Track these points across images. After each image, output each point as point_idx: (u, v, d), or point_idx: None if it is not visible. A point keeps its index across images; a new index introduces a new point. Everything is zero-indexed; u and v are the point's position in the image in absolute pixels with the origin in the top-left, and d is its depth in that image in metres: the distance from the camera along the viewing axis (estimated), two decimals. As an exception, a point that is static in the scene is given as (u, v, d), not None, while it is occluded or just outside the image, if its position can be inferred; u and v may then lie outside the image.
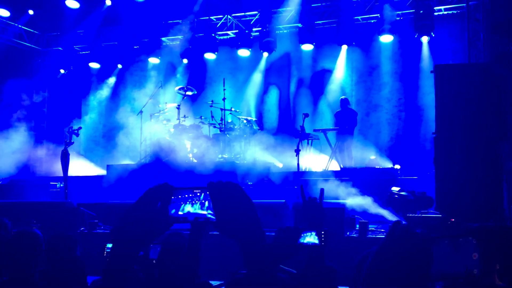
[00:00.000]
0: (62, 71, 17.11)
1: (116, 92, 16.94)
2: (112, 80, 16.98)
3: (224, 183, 1.42)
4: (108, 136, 16.47)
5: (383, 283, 1.43)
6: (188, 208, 1.46)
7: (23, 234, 3.57)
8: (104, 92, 17.01)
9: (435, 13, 13.44)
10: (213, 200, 1.40)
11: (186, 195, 1.46)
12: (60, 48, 17.01)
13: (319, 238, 2.55)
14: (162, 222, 1.40)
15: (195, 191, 1.46)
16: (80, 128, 10.64)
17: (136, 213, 1.40)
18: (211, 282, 3.52)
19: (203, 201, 1.44)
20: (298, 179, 10.12)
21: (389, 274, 1.44)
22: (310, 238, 2.64)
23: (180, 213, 1.47)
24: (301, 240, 2.65)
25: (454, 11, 13.63)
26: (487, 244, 2.68)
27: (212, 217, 1.45)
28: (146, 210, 1.40)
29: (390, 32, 13.74)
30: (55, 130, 16.70)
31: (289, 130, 14.52)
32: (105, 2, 15.35)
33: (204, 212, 1.44)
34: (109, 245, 3.86)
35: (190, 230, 2.16)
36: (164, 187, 1.42)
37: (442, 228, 6.61)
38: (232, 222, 1.39)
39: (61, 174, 11.05)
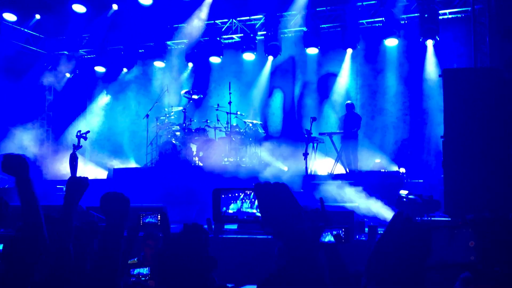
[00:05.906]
0: (68, 74, 17.16)
1: (121, 95, 16.96)
2: (117, 84, 17.01)
3: (271, 184, 1.45)
4: (113, 140, 16.51)
5: (385, 270, 1.47)
6: (238, 206, 1.49)
7: None
8: (110, 95, 17.06)
9: (440, 17, 13.45)
10: (259, 200, 1.43)
11: (237, 194, 1.49)
12: (66, 52, 17.04)
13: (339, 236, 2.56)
14: None
15: (246, 191, 1.49)
16: (88, 132, 10.69)
17: None
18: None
19: (253, 199, 1.47)
20: (309, 182, 10.13)
21: (390, 262, 1.48)
22: (328, 237, 2.67)
23: (230, 211, 1.50)
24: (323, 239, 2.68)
25: (459, 15, 13.61)
26: (483, 232, 2.73)
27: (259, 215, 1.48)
28: None
29: (395, 35, 13.77)
30: (61, 133, 16.75)
31: (294, 133, 14.54)
32: (111, 7, 15.40)
33: (254, 211, 1.48)
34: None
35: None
36: None
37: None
38: (277, 221, 1.43)
39: (67, 177, 11.10)
